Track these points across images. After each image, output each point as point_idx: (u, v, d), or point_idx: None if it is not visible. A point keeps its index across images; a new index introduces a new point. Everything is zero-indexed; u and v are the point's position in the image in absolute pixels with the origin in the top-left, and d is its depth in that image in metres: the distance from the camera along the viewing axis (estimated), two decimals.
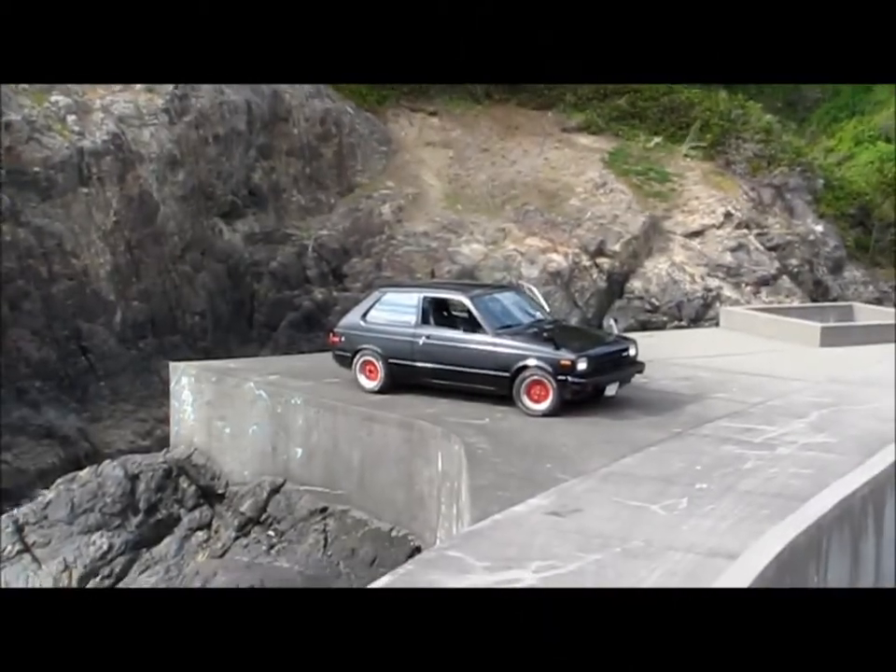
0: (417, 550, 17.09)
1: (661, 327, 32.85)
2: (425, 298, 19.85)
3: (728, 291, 34.55)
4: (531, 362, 18.39)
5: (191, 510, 20.78)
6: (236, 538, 19.71)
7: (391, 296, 20.37)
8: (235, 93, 33.80)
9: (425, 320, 19.59)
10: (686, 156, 38.83)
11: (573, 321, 31.48)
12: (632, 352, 19.67)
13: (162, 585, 19.42)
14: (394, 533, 18.20)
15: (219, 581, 18.11)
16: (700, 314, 33.83)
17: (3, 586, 19.75)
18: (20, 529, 20.55)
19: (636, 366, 19.76)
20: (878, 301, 35.67)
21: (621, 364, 19.49)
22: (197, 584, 18.10)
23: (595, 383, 18.68)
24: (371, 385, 19.87)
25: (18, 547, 20.31)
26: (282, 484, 19.91)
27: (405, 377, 19.67)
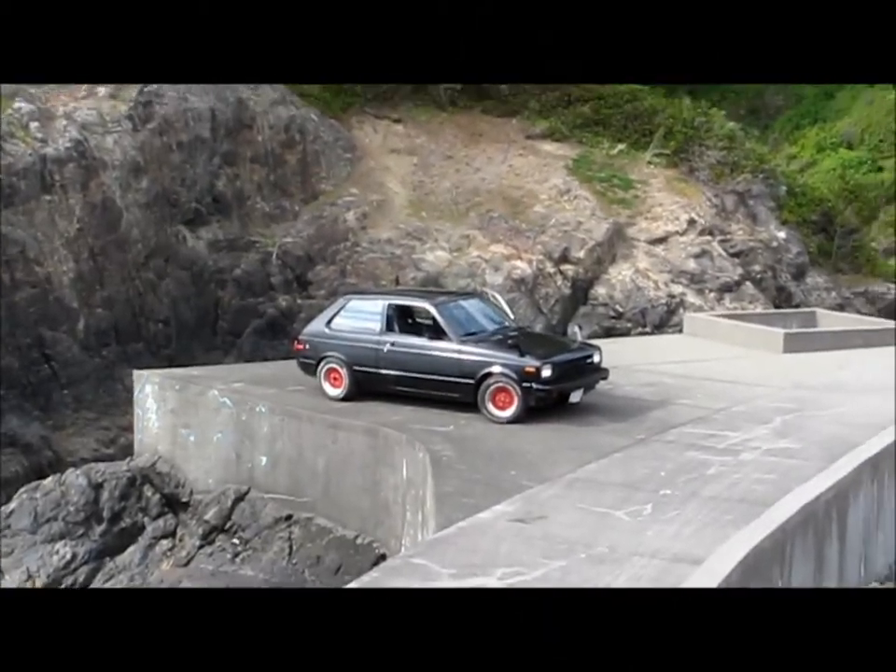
0: (382, 557, 17.07)
1: (625, 333, 32.90)
2: (389, 305, 19.84)
3: (692, 297, 34.64)
4: (496, 369, 18.41)
5: (155, 518, 20.70)
6: (201, 546, 19.64)
7: (356, 303, 20.36)
8: (199, 100, 33.70)
9: (389, 327, 19.58)
10: (650, 163, 38.92)
11: (538, 328, 31.48)
12: (596, 358, 19.71)
13: (122, 587, 19.34)
14: (359, 540, 18.17)
15: None
16: (664, 320, 33.90)
17: None
18: None
19: (600, 372, 19.81)
20: (841, 308, 35.87)
21: (585, 371, 19.53)
22: None
23: (560, 389, 18.73)
24: (335, 392, 19.85)
25: None
26: (246, 492, 19.86)
27: (370, 384, 19.65)
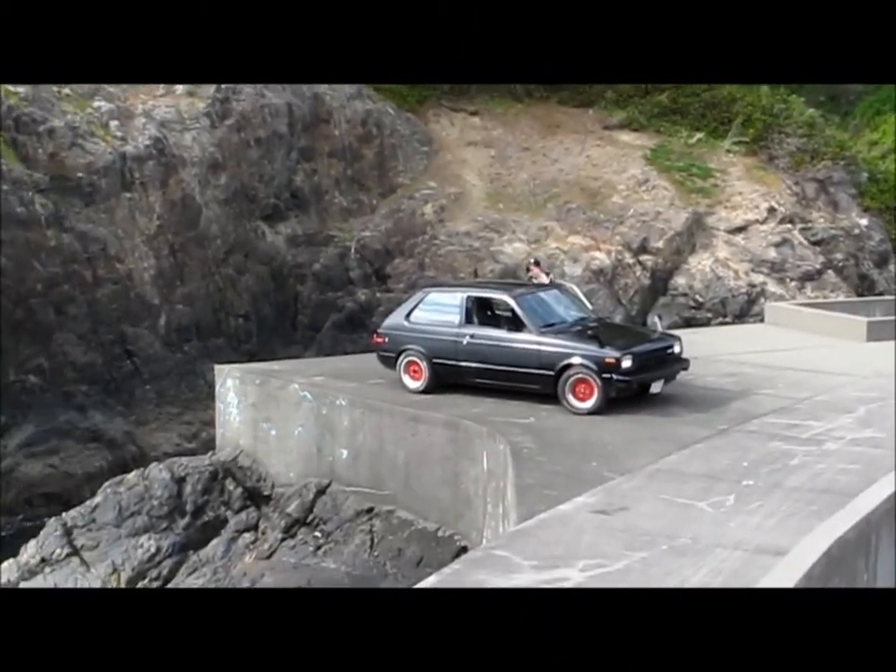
0: (463, 549, 17.07)
1: (705, 323, 32.73)
2: (468, 297, 19.83)
3: (773, 287, 34.38)
4: (576, 360, 18.34)
5: (238, 512, 20.84)
6: (283, 539, 19.75)
7: (434, 296, 20.37)
8: (276, 96, 33.93)
9: (468, 320, 19.57)
10: (728, 151, 38.66)
11: (617, 319, 31.42)
12: (676, 349, 19.59)
13: (210, 587, 19.49)
14: (440, 533, 18.19)
15: (266, 583, 18.18)
16: (745, 310, 33.69)
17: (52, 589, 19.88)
18: (68, 532, 20.66)
19: (680, 363, 19.68)
20: None
21: (665, 361, 19.42)
22: (245, 585, 18.17)
23: (641, 380, 18.63)
24: (415, 385, 19.87)
25: (66, 550, 20.43)
26: (328, 486, 19.94)
27: (449, 377, 19.66)
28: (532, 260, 27.61)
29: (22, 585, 19.90)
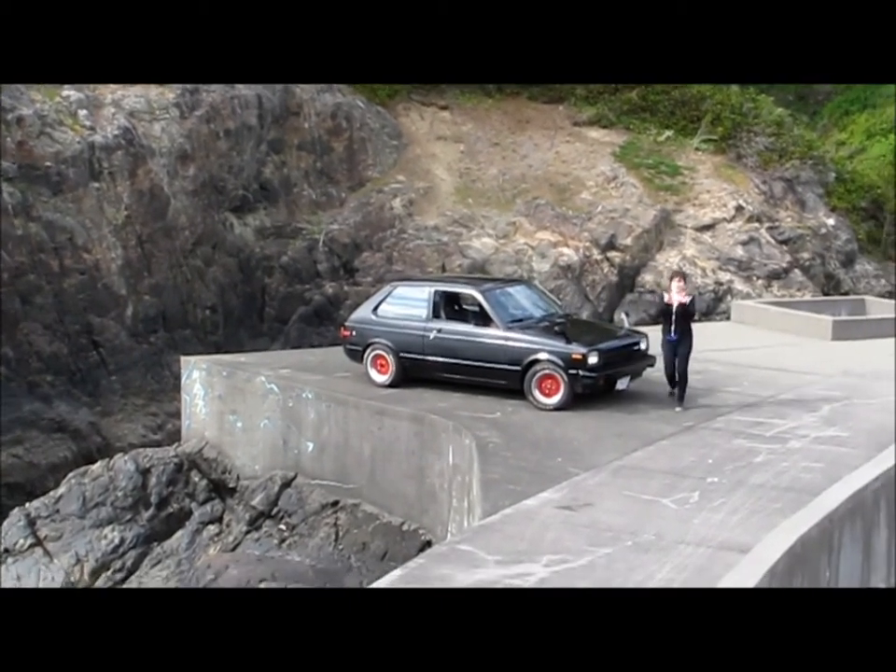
0: (428, 544, 17.10)
1: None
2: (436, 292, 19.84)
3: (739, 285, 34.50)
4: (542, 356, 18.38)
5: (203, 504, 20.82)
6: (247, 531, 19.73)
7: (402, 290, 20.38)
8: (246, 88, 33.80)
9: (436, 314, 19.59)
10: (697, 149, 38.75)
11: (584, 315, 31.47)
12: (643, 346, 19.65)
13: (174, 579, 19.48)
14: (405, 527, 18.20)
15: (231, 575, 18.12)
16: (711, 307, 33.79)
17: (15, 580, 19.81)
18: (32, 523, 20.60)
19: (647, 360, 19.73)
20: (890, 295, 35.58)
21: (632, 358, 19.47)
22: (209, 577, 18.10)
23: (607, 376, 18.68)
24: (382, 378, 19.88)
25: (30, 541, 20.38)
26: (293, 478, 19.93)
27: (416, 371, 19.68)
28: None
29: None
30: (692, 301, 18.78)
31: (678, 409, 18.43)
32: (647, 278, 34.56)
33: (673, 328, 18.57)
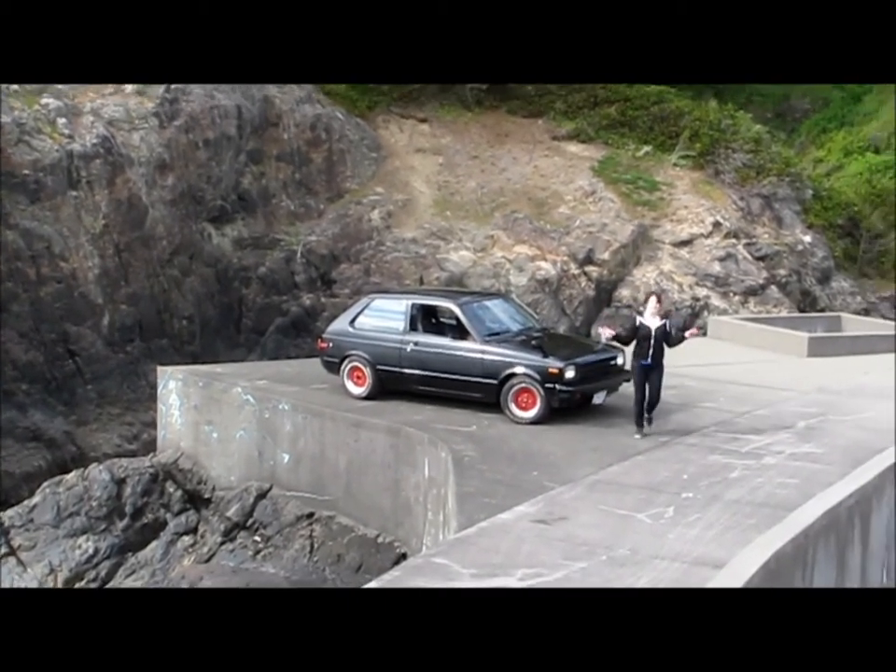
0: (403, 556, 17.08)
1: None
2: (413, 304, 19.84)
3: (716, 301, 34.59)
4: (519, 370, 18.39)
5: (178, 514, 20.76)
6: (222, 542, 19.68)
7: (380, 302, 20.37)
8: (226, 98, 33.79)
9: (413, 327, 19.59)
10: (675, 165, 38.87)
11: (561, 329, 31.51)
12: (620, 360, 19.67)
13: (149, 587, 19.38)
14: (380, 539, 18.18)
15: (205, 586, 18.08)
16: (688, 323, 33.81)
17: None
18: (5, 532, 20.52)
19: (623, 374, 19.73)
20: (866, 312, 35.79)
21: (609, 372, 19.49)
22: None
23: (583, 391, 18.71)
24: (358, 391, 19.87)
25: (3, 550, 20.31)
26: (269, 490, 19.89)
27: (393, 383, 19.67)
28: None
29: None
30: (669, 324, 17.63)
31: (639, 435, 17.65)
32: (624, 293, 34.62)
33: (650, 352, 17.45)
